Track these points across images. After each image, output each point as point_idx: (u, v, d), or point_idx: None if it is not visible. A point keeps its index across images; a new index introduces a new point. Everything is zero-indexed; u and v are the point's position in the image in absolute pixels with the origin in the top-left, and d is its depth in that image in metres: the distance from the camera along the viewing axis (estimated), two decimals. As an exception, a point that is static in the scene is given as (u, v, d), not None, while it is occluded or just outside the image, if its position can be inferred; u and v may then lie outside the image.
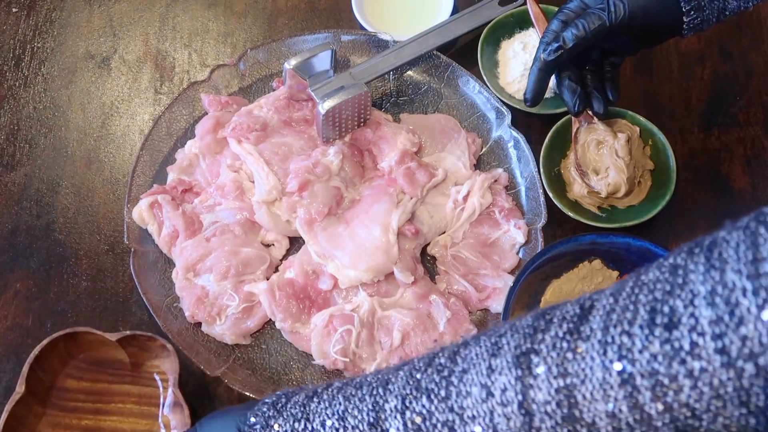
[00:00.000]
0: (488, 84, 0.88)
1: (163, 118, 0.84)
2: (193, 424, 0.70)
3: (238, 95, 0.88)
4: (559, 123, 0.85)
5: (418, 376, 0.48)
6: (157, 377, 0.75)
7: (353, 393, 0.50)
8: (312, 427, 0.50)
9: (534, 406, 0.43)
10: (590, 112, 0.81)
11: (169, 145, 0.85)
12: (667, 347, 0.40)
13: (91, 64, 0.93)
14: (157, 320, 0.74)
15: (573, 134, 0.85)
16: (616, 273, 0.78)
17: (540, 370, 0.43)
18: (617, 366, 0.41)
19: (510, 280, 0.79)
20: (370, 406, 0.49)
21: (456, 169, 0.85)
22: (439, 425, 0.46)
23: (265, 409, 0.53)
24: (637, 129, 0.86)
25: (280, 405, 0.53)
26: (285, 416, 0.52)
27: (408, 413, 0.47)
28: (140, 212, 0.80)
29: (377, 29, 0.90)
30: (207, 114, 0.85)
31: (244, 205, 0.81)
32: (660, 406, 0.40)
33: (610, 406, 0.41)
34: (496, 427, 0.44)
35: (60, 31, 0.94)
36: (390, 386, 0.49)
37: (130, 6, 0.96)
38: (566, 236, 0.75)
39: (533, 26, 0.87)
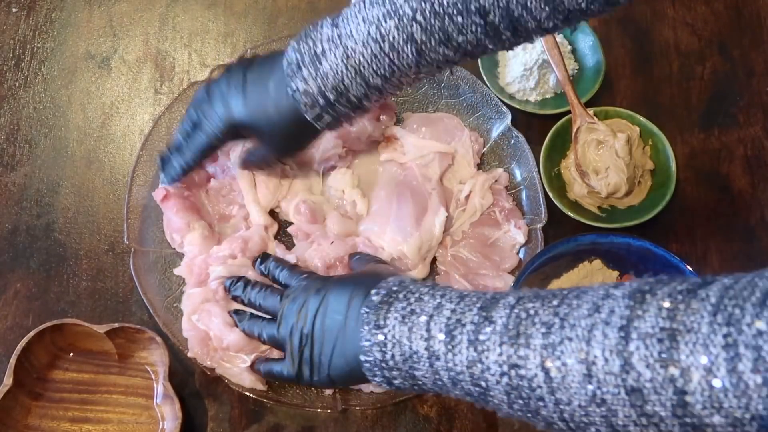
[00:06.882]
0: (488, 84, 0.88)
1: (163, 118, 0.84)
2: (185, 417, 0.70)
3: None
4: (559, 123, 0.85)
5: (540, 291, 0.53)
6: (148, 369, 0.75)
7: (470, 292, 0.56)
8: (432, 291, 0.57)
9: (634, 334, 0.45)
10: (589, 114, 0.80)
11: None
12: None
13: (91, 64, 0.93)
14: (157, 320, 0.74)
15: (573, 134, 0.85)
16: (616, 273, 0.78)
17: (651, 306, 0.45)
18: (723, 330, 0.42)
19: (510, 280, 0.79)
20: (488, 297, 0.54)
21: (460, 166, 0.85)
22: (538, 324, 0.49)
23: (384, 291, 0.59)
24: (637, 129, 0.86)
25: (397, 287, 0.59)
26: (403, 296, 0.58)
27: (517, 309, 0.51)
28: None
29: (377, 29, 0.89)
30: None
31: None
32: (759, 379, 0.40)
33: (708, 360, 0.42)
34: (591, 340, 0.46)
35: (60, 31, 0.94)
36: (511, 292, 0.54)
37: (130, 6, 0.96)
38: (566, 236, 0.75)
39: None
